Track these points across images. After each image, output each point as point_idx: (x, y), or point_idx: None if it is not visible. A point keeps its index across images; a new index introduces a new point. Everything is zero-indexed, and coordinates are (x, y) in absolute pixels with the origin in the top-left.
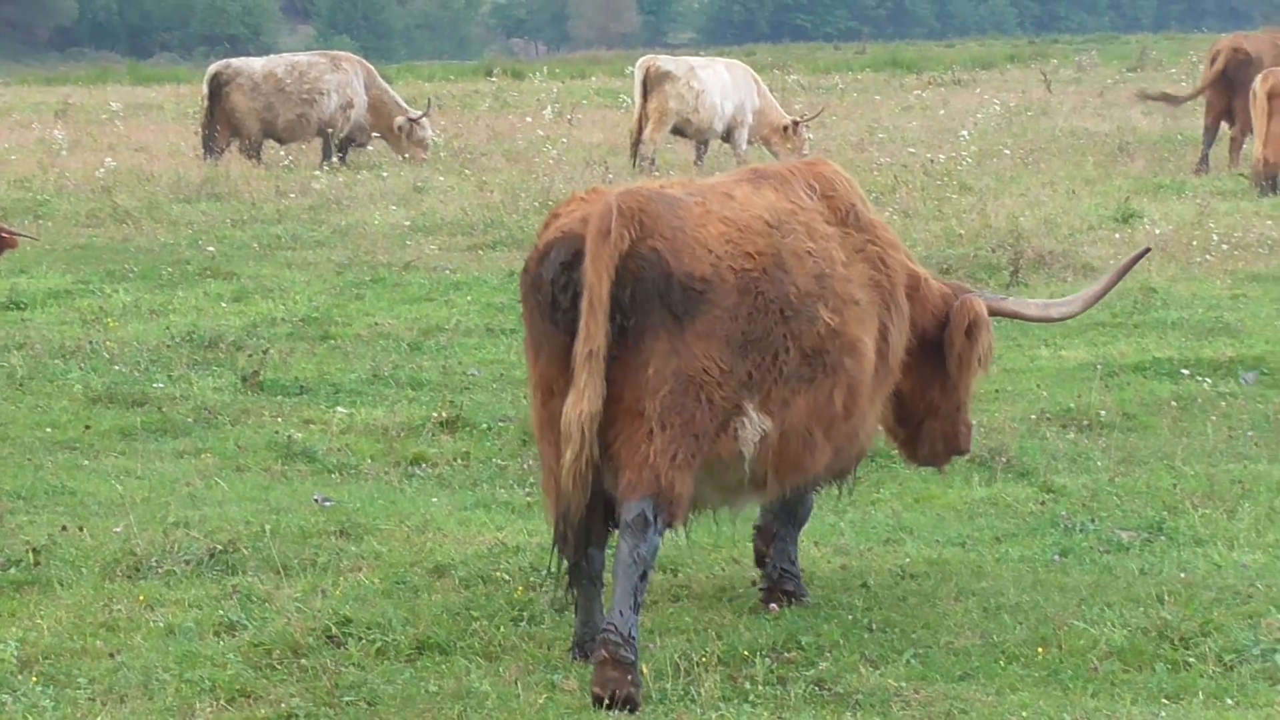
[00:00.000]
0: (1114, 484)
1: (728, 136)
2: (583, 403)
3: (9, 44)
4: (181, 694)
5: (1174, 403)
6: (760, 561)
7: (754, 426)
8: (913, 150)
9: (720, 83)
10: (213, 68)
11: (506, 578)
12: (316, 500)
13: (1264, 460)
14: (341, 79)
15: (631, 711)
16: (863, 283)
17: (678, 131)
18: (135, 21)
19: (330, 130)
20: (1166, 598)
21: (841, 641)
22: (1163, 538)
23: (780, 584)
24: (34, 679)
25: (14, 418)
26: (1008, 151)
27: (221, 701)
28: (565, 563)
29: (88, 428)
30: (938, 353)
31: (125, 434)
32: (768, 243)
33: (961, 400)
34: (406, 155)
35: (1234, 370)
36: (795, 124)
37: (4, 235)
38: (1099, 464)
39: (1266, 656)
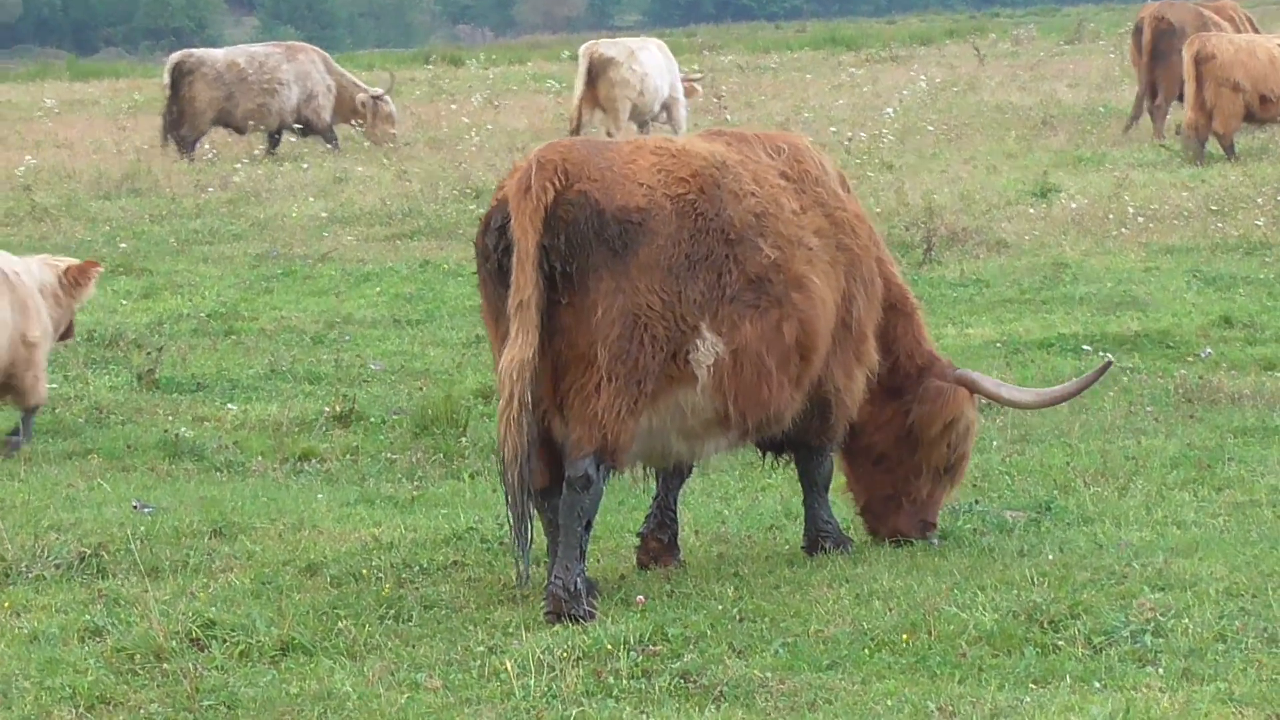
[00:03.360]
0: (1007, 463)
1: (665, 115)
2: (514, 350)
3: None
4: (40, 702)
5: (1071, 379)
6: (642, 565)
7: (707, 347)
8: (834, 129)
9: (656, 63)
10: (174, 57)
11: (379, 575)
12: (135, 507)
13: (1160, 435)
14: (299, 69)
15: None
16: (818, 233)
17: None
18: (80, 17)
19: (304, 121)
20: (1040, 580)
21: (709, 632)
22: (1049, 517)
23: (821, 543)
24: None
25: None
26: (931, 128)
27: (80, 709)
28: (513, 516)
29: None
30: (896, 399)
31: (37, 434)
32: (703, 167)
33: (921, 468)
34: (377, 134)
35: (1139, 344)
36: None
37: None
38: (994, 444)
39: (1136, 638)
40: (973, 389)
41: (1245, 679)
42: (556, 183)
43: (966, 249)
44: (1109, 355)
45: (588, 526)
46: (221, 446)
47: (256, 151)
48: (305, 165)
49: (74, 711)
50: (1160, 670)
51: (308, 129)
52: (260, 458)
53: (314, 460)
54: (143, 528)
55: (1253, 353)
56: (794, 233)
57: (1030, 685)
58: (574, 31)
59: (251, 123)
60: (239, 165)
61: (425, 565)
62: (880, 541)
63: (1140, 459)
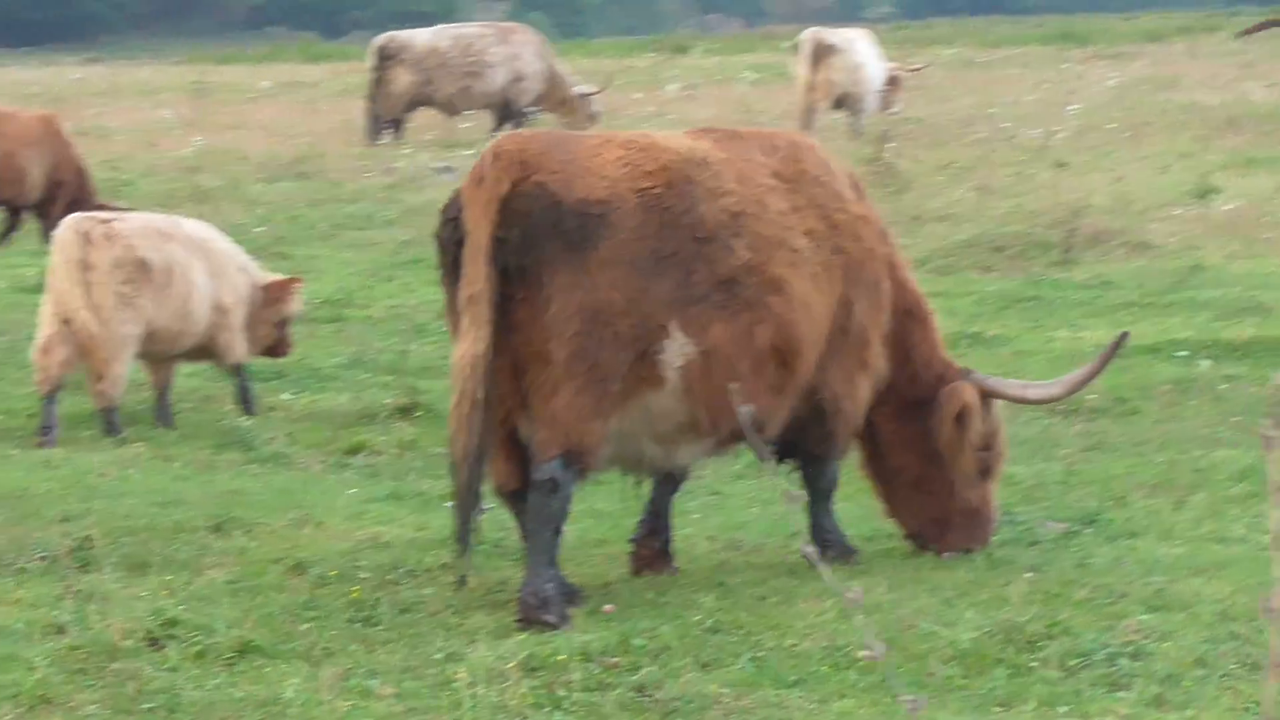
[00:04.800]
0: (1069, 473)
1: (875, 104)
2: (465, 346)
3: (206, 23)
4: None
5: (1168, 386)
6: (635, 572)
7: (676, 347)
8: (1006, 125)
9: (871, 54)
10: (378, 40)
11: (365, 575)
12: None
13: (1238, 446)
14: (510, 51)
15: None
16: (809, 234)
17: (835, 104)
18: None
19: (505, 103)
20: (1032, 597)
21: (677, 644)
22: (1091, 530)
23: (827, 553)
24: None
25: None
26: (1112, 126)
27: (23, 709)
28: (458, 517)
29: (30, 416)
30: (921, 413)
31: (78, 422)
32: (672, 162)
33: (954, 482)
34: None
35: (1250, 351)
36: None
37: None
38: (1064, 452)
39: (1112, 660)
40: (992, 394)
41: (1217, 706)
42: (513, 173)
43: (1107, 250)
44: (1208, 362)
45: (557, 531)
46: (271, 438)
47: (427, 137)
48: (469, 152)
49: (15, 711)
50: (1132, 695)
51: (507, 110)
52: (307, 449)
53: (363, 454)
54: (143, 520)
55: None
56: (776, 234)
57: (994, 708)
58: (825, 22)
59: (457, 104)
60: (405, 151)
61: (413, 567)
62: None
63: (1207, 471)
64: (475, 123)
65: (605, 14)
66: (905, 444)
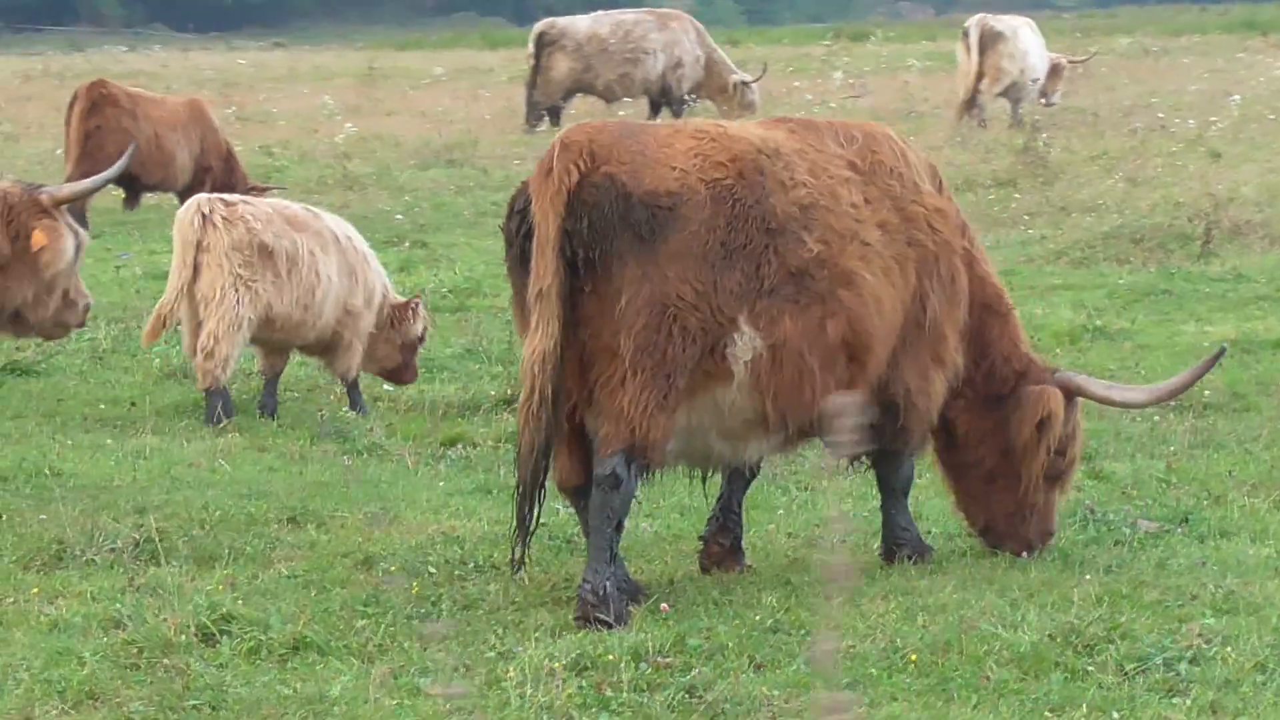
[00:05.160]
0: (1170, 470)
1: (1034, 93)
2: (535, 341)
3: (396, 9)
4: (30, 695)
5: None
6: (704, 570)
7: (745, 341)
8: (1161, 115)
9: (1035, 42)
10: (538, 26)
11: (432, 570)
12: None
13: None
14: (669, 38)
15: None
16: (883, 226)
17: (1000, 92)
18: None
19: (664, 89)
20: (1099, 599)
21: (733, 644)
22: (1184, 529)
23: (898, 551)
24: None
25: (75, 392)
26: (1272, 117)
27: (68, 704)
28: (518, 511)
29: (133, 404)
30: (998, 408)
31: (180, 412)
32: (745, 152)
33: (1026, 481)
34: (733, 118)
35: None
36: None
37: None
38: (1170, 449)
39: (1170, 665)
40: (1078, 392)
41: (1274, 713)
42: (581, 165)
43: (1247, 242)
44: None
45: (619, 528)
46: (370, 429)
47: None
48: None
49: (61, 706)
50: (1187, 701)
51: (665, 97)
52: (405, 441)
53: (460, 445)
54: (219, 513)
55: None
56: (848, 226)
57: (1046, 713)
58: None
59: (616, 91)
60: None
61: (482, 562)
62: (989, 550)
63: None
64: (632, 110)
65: (795, 1)
66: (980, 438)
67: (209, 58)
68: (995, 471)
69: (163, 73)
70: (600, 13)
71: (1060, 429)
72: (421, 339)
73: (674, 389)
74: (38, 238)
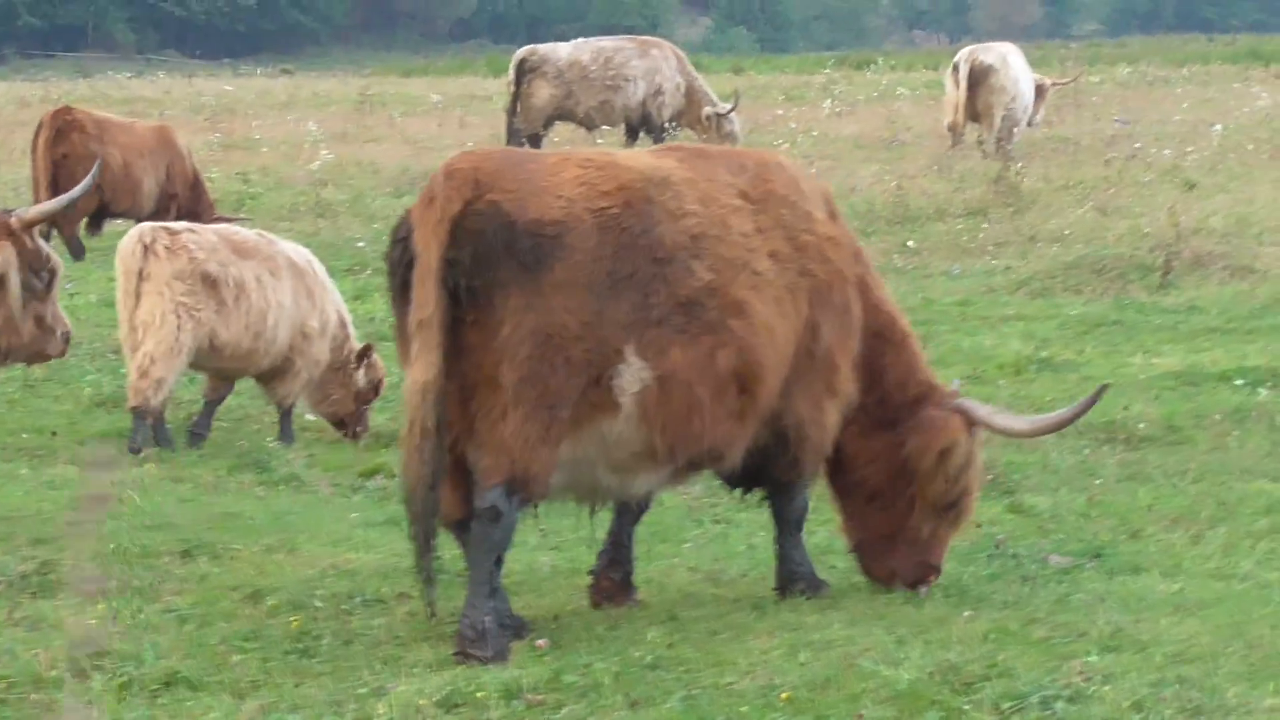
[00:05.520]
0: (1091, 504)
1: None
2: (416, 372)
3: (409, 36)
4: None
5: (1218, 415)
6: (595, 605)
7: (632, 372)
8: (1138, 145)
9: (1024, 71)
10: (519, 53)
11: (319, 604)
12: None
13: (1279, 479)
14: (649, 65)
15: None
16: (774, 256)
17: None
18: (534, 13)
19: (644, 117)
20: (986, 636)
21: (610, 681)
22: (1094, 565)
23: (791, 586)
24: None
25: (1, 421)
26: (1251, 147)
27: None
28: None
29: (54, 434)
30: (889, 431)
31: (105, 441)
32: (633, 181)
33: (916, 508)
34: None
35: None
36: None
37: None
38: (1096, 481)
39: (1047, 704)
40: (969, 418)
41: None
42: (466, 192)
43: (1208, 274)
44: (1267, 391)
45: (499, 562)
46: (291, 459)
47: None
48: None
49: None
50: None
51: (646, 125)
52: (327, 472)
53: (379, 476)
54: (112, 545)
55: None
56: (739, 255)
57: None
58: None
59: (596, 118)
60: None
61: (370, 596)
62: (882, 587)
63: (1234, 504)
64: (610, 139)
65: (810, 29)
66: (869, 459)
67: (213, 84)
68: (876, 492)
69: (164, 99)
70: (581, 40)
71: (961, 459)
72: (377, 390)
73: (557, 421)
74: None
